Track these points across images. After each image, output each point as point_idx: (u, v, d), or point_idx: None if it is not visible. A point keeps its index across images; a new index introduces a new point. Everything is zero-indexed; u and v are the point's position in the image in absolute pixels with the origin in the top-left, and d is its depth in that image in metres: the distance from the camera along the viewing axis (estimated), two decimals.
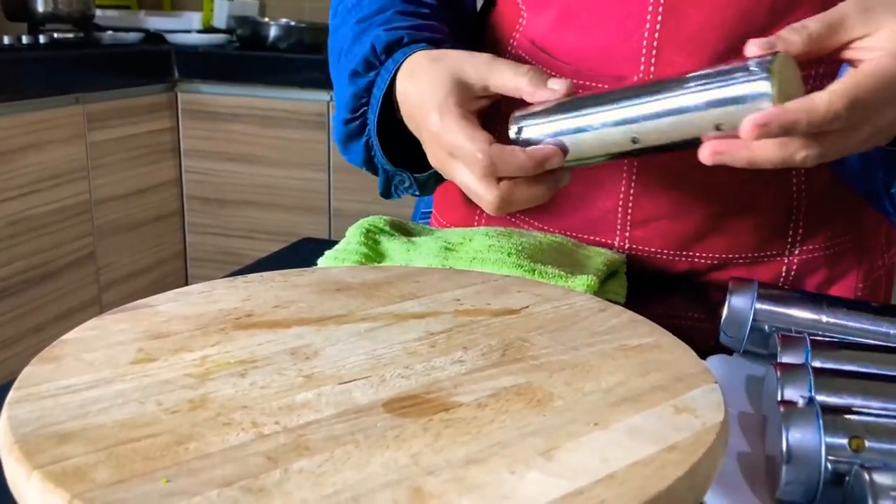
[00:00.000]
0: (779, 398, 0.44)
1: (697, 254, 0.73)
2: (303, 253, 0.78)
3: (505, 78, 0.55)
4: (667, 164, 0.69)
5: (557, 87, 0.54)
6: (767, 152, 0.49)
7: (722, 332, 0.56)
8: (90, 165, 1.99)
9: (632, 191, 0.71)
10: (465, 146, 0.53)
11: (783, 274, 0.73)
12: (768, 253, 0.73)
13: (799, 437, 0.39)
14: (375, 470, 0.29)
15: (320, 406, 0.34)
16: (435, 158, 0.58)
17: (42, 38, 2.00)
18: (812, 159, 0.49)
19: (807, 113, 0.46)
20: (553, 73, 0.60)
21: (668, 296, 0.71)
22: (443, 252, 0.65)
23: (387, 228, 0.71)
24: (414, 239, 0.70)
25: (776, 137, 0.48)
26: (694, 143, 0.51)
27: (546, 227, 0.76)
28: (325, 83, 1.97)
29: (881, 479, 0.36)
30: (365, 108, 0.67)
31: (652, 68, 0.67)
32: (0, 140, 1.74)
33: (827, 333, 0.53)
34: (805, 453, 0.39)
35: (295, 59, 2.15)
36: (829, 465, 0.39)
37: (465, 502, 0.28)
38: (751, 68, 0.48)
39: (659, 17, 0.66)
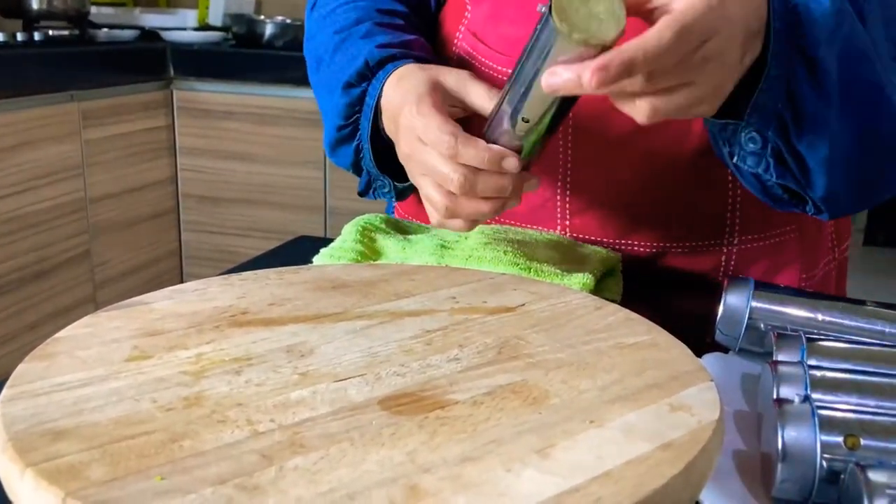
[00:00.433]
0: (774, 396, 0.44)
1: (635, 242, 0.74)
2: (298, 251, 0.78)
3: (477, 95, 0.61)
4: (600, 153, 0.71)
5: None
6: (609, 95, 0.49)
7: (718, 331, 0.56)
8: (85, 163, 1.98)
9: (568, 180, 0.73)
10: (434, 128, 0.58)
11: (723, 264, 0.74)
12: (707, 243, 0.73)
13: (794, 435, 0.39)
14: (371, 468, 0.29)
15: (315, 404, 0.34)
16: (406, 148, 0.61)
17: (37, 36, 1.99)
18: (664, 105, 0.49)
19: (642, 51, 0.46)
20: (492, 63, 0.72)
21: (664, 294, 0.71)
22: (439, 250, 0.65)
23: (382, 226, 0.71)
24: (410, 237, 0.70)
25: (618, 80, 0.47)
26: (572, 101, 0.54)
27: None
28: None
29: (876, 476, 0.36)
30: (358, 115, 0.71)
31: None
32: None
33: (822, 332, 0.53)
34: (800, 451, 0.39)
35: (291, 57, 2.13)
36: (825, 463, 0.39)
37: (460, 500, 0.27)
38: (541, 10, 0.48)
39: None
